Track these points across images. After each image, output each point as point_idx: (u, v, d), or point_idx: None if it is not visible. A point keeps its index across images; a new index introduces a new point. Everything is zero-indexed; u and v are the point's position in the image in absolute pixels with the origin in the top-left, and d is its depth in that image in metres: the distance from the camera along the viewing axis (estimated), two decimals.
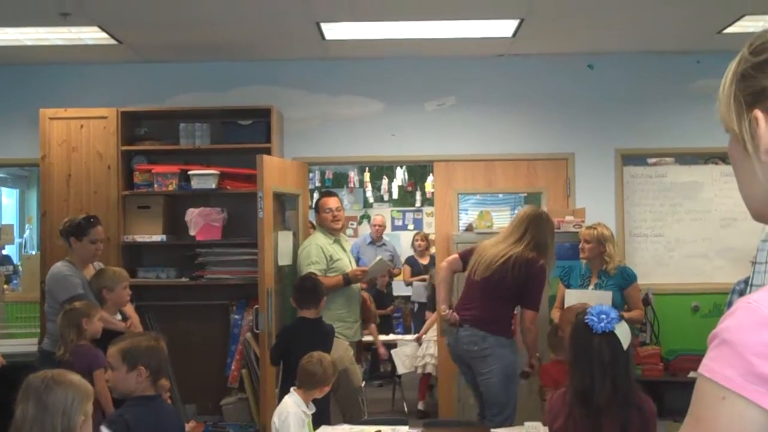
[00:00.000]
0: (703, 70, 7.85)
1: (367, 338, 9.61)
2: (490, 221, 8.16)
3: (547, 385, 5.80)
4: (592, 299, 6.22)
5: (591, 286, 6.78)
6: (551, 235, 6.21)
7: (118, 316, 6.21)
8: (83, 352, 5.40)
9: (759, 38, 1.30)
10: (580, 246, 6.87)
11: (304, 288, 6.39)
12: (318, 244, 7.18)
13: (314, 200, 7.62)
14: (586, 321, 3.93)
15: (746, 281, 5.10)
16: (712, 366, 1.19)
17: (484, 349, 6.06)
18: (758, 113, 1.27)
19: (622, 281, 6.76)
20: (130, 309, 6.39)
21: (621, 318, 3.99)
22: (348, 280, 7.18)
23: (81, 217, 6.38)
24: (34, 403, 3.08)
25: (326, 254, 7.14)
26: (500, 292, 6.07)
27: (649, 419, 3.94)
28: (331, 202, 7.43)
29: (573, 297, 6.64)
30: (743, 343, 1.17)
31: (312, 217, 8.21)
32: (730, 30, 7.17)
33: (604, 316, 3.91)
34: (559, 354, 5.84)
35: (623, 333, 3.94)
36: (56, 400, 3.11)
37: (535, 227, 6.12)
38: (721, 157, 8.09)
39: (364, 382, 9.58)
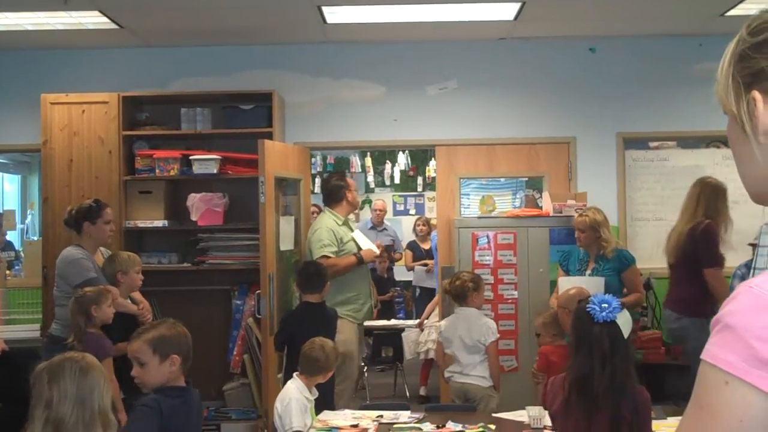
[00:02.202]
0: (705, 52, 7.82)
1: (370, 323, 9.63)
2: (492, 205, 8.17)
3: (540, 370, 5.80)
4: (585, 285, 6.28)
5: (588, 271, 6.74)
6: (722, 199, 6.50)
7: (128, 301, 6.25)
8: (90, 341, 5.42)
9: (757, 19, 1.29)
10: (576, 235, 6.83)
11: (308, 273, 6.40)
12: (328, 226, 7.17)
13: (328, 182, 7.54)
14: (588, 309, 3.94)
15: (747, 265, 5.10)
16: (715, 351, 1.18)
17: (676, 329, 6.59)
18: (756, 94, 1.27)
19: (619, 264, 6.70)
20: (138, 295, 6.43)
21: (623, 307, 3.99)
22: (361, 259, 7.17)
23: (89, 201, 6.40)
24: (71, 383, 3.13)
25: (337, 236, 7.14)
26: (683, 271, 6.42)
27: (641, 410, 3.94)
28: (353, 183, 7.52)
29: (566, 284, 6.64)
30: (745, 327, 1.16)
31: (314, 200, 8.21)
32: (732, 12, 7.14)
33: (606, 305, 3.91)
34: (557, 339, 5.87)
35: (625, 322, 3.94)
36: (93, 381, 3.19)
37: (705, 197, 6.26)
38: (723, 141, 8.06)
39: (366, 368, 9.62)
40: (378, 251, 7.47)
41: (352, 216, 7.90)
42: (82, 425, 3.10)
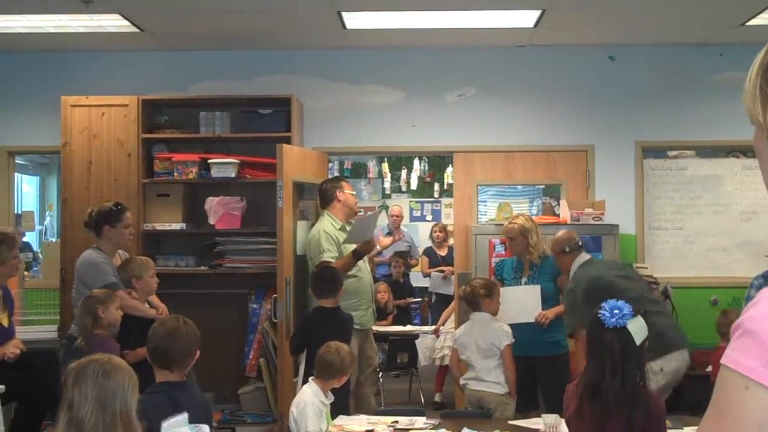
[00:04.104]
0: (725, 62, 7.79)
1: (385, 328, 9.62)
2: (510, 213, 8.16)
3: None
4: (519, 295, 6.48)
5: (524, 278, 6.75)
6: None
7: (147, 306, 6.28)
8: (96, 342, 5.44)
9: None
10: (507, 245, 6.82)
11: (323, 278, 6.39)
12: (326, 231, 7.01)
13: (324, 185, 7.38)
14: (599, 316, 3.94)
15: (765, 275, 5.08)
16: (735, 356, 1.18)
17: None
18: None
19: (554, 270, 6.71)
20: (155, 298, 6.45)
21: (635, 313, 3.97)
22: (358, 254, 6.98)
23: (110, 205, 6.43)
24: (92, 385, 3.13)
25: (335, 240, 7.05)
26: None
27: (654, 418, 3.93)
28: (349, 186, 7.38)
29: (503, 293, 6.61)
30: (766, 332, 1.16)
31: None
32: (753, 22, 7.12)
33: (617, 311, 3.91)
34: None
35: (637, 328, 3.93)
36: (116, 383, 3.17)
37: None
38: (742, 150, 8.04)
39: (381, 373, 9.61)
40: (378, 247, 7.35)
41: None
42: (102, 428, 3.11)
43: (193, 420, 3.92)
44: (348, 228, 7.24)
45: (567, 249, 6.43)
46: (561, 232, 6.65)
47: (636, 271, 6.56)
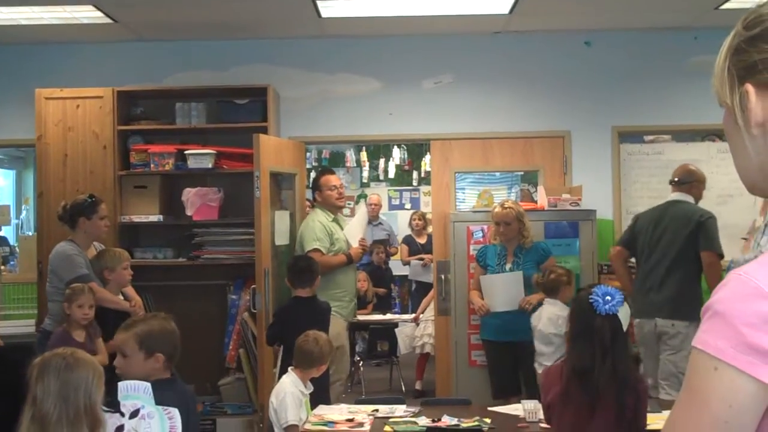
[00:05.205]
0: (700, 46, 7.81)
1: (365, 317, 9.62)
2: (488, 200, 8.18)
3: None
4: (503, 283, 6.58)
5: (509, 265, 6.79)
6: None
7: (120, 298, 6.26)
8: (53, 337, 5.49)
9: (753, 13, 1.32)
10: (501, 230, 6.81)
11: (299, 267, 6.40)
12: (320, 221, 7.21)
13: (312, 178, 7.60)
14: (591, 301, 3.93)
15: (747, 260, 5.12)
16: (705, 338, 1.21)
17: None
18: (749, 87, 1.29)
19: (538, 257, 6.79)
20: (131, 290, 6.42)
21: (624, 299, 3.99)
22: (351, 258, 7.22)
23: (84, 197, 6.41)
24: (55, 379, 3.12)
25: (328, 231, 7.17)
26: None
27: (642, 399, 3.97)
28: (335, 179, 7.48)
29: (488, 282, 6.75)
30: (734, 314, 1.19)
31: (310, 195, 8.21)
32: (727, 6, 7.14)
33: (609, 298, 3.91)
34: None
35: (624, 315, 3.96)
36: (78, 377, 3.15)
37: None
38: (718, 134, 8.07)
39: (361, 362, 9.63)
40: (358, 246, 7.44)
41: (348, 212, 7.90)
42: (66, 422, 3.08)
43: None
44: (340, 221, 7.48)
45: (673, 179, 6.91)
46: (679, 165, 6.98)
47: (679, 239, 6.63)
